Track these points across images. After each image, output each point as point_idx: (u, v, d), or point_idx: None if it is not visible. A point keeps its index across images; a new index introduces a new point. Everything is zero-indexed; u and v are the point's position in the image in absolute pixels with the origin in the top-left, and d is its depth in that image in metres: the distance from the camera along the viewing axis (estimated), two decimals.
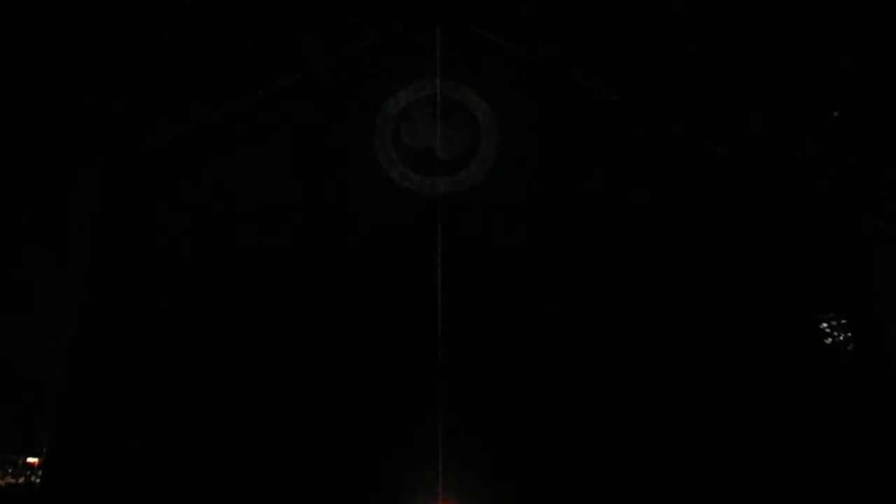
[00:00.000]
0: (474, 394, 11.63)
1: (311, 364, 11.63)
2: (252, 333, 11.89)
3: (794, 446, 11.33)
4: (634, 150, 13.29)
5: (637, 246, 12.59)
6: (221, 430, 11.38)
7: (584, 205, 12.79)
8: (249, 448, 11.25)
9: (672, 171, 13.17)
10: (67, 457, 11.58)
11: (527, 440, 11.37)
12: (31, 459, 34.48)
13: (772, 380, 11.74)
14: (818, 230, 13.18)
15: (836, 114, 15.39)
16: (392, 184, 12.97)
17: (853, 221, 13.27)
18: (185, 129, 13.35)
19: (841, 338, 12.73)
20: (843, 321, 12.68)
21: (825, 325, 12.78)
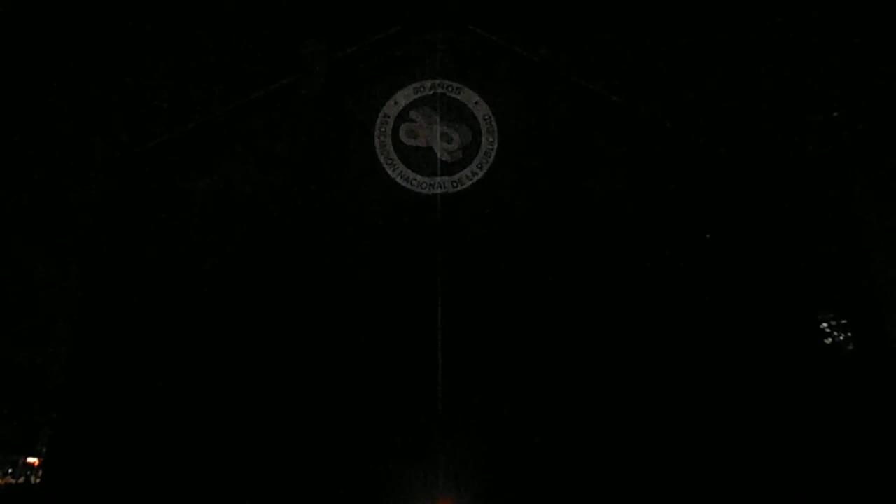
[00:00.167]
0: (474, 394, 11.62)
1: (311, 364, 11.62)
2: (253, 333, 11.88)
3: (794, 446, 11.32)
4: (634, 149, 13.28)
5: (637, 245, 12.58)
6: (221, 430, 11.37)
7: (583, 204, 12.78)
8: (249, 448, 11.24)
9: (672, 171, 13.16)
10: (67, 457, 11.57)
11: (526, 439, 11.36)
12: (31, 459, 34.49)
13: (772, 380, 11.73)
14: (818, 230, 13.18)
15: (835, 114, 15.39)
16: (392, 183, 12.97)
17: (853, 221, 13.27)
18: (185, 128, 13.34)
19: (841, 338, 12.73)
20: (844, 321, 12.68)
21: (826, 324, 12.78)
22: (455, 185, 12.98)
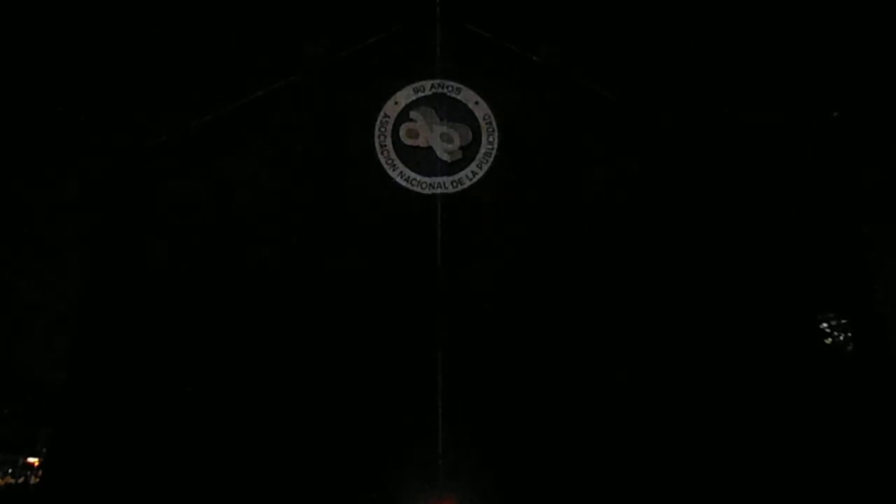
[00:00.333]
0: (474, 394, 11.62)
1: (311, 364, 11.62)
2: (253, 332, 11.88)
3: (794, 446, 11.32)
4: (635, 149, 13.28)
5: (637, 245, 12.59)
6: (221, 430, 11.37)
7: (583, 204, 12.78)
8: (249, 447, 11.24)
9: (672, 171, 13.16)
10: (67, 457, 11.57)
11: (526, 439, 11.36)
12: (31, 459, 34.47)
13: (772, 380, 11.73)
14: (819, 230, 13.17)
15: (835, 114, 15.39)
16: (392, 183, 12.96)
17: (853, 221, 13.27)
18: (185, 128, 13.33)
19: (841, 338, 12.73)
20: (844, 321, 12.68)
21: (826, 325, 12.77)
22: (455, 185, 12.97)
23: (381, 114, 13.35)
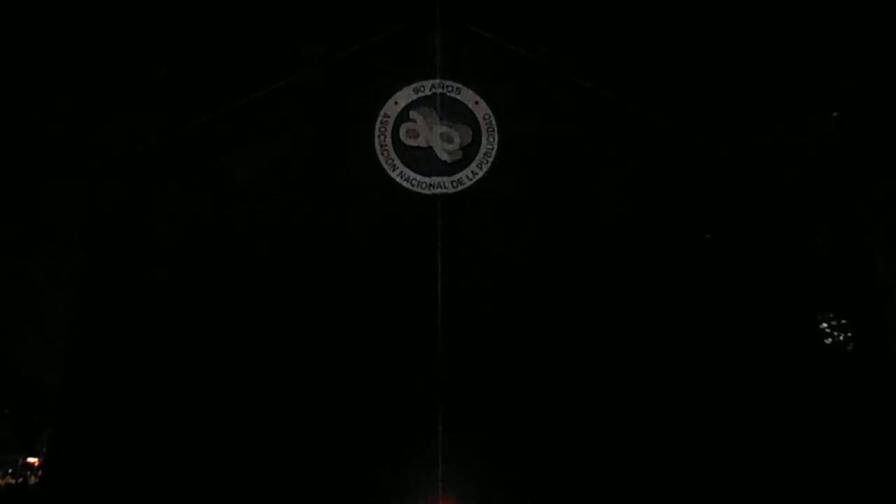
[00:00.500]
0: (475, 394, 11.63)
1: (311, 364, 11.63)
2: (252, 333, 11.88)
3: (794, 446, 11.33)
4: (635, 149, 13.28)
5: (638, 245, 12.59)
6: (222, 430, 11.38)
7: (584, 204, 12.78)
8: (249, 448, 11.24)
9: (673, 171, 13.16)
10: (67, 457, 11.57)
11: (526, 440, 11.37)
12: (31, 459, 34.46)
13: (772, 380, 11.73)
14: (819, 230, 13.18)
15: (835, 114, 15.39)
16: (392, 183, 12.96)
17: (853, 221, 13.27)
18: (184, 128, 13.34)
19: (841, 338, 12.74)
20: (844, 321, 12.68)
21: (826, 324, 12.78)
22: (455, 185, 12.97)
23: (381, 114, 13.35)
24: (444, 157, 13.12)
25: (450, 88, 13.50)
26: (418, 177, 13.01)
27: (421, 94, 13.50)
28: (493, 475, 11.18)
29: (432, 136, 13.23)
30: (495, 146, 13.18)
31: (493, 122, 13.30)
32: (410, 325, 11.98)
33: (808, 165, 13.67)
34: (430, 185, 12.96)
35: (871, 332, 12.45)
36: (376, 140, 13.19)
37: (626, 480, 11.17)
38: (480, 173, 13.04)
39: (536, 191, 12.79)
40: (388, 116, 13.36)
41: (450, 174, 13.03)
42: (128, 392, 11.68)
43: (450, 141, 13.20)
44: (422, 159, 13.12)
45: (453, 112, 13.37)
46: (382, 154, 13.13)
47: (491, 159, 13.11)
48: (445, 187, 12.93)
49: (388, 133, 13.27)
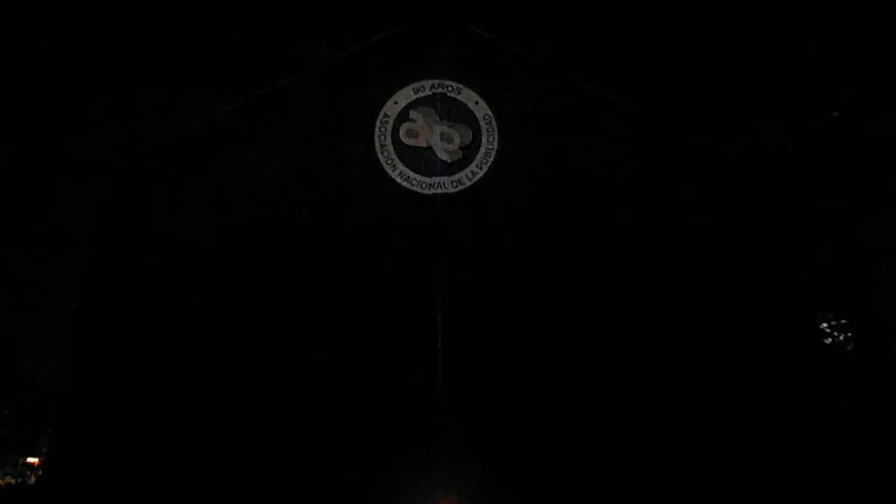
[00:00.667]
0: (474, 395, 11.63)
1: (312, 364, 11.62)
2: (252, 333, 11.88)
3: (794, 446, 11.32)
4: (635, 149, 13.27)
5: (637, 245, 12.59)
6: (222, 431, 11.37)
7: (584, 204, 12.78)
8: (249, 448, 11.24)
9: (672, 171, 13.16)
10: (67, 457, 11.57)
11: (527, 440, 11.37)
12: (31, 459, 34.44)
13: (772, 380, 11.73)
14: (819, 231, 13.18)
15: (835, 114, 15.39)
16: (392, 183, 12.97)
17: (853, 221, 13.27)
18: (184, 128, 13.33)
19: (841, 338, 12.74)
20: (844, 321, 12.69)
21: (826, 324, 12.78)
22: (455, 185, 12.97)
23: (381, 114, 13.35)
24: (444, 157, 13.12)
25: (450, 88, 13.51)
26: (418, 177, 13.01)
27: (421, 94, 13.50)
28: (494, 476, 11.17)
29: (432, 136, 13.23)
30: (495, 146, 13.18)
31: (493, 122, 13.31)
32: (410, 325, 11.98)
33: (808, 166, 13.67)
34: (430, 185, 12.96)
35: (871, 332, 12.45)
36: (376, 140, 13.19)
37: (627, 480, 11.17)
38: (480, 173, 13.04)
39: (536, 191, 12.78)
40: (388, 116, 13.36)
41: (450, 174, 13.03)
42: (128, 392, 11.67)
43: (450, 141, 13.20)
44: (422, 159, 13.12)
45: (453, 112, 13.37)
46: (382, 154, 13.13)
47: (491, 159, 13.11)
48: (445, 187, 12.93)
49: (388, 133, 13.27)
